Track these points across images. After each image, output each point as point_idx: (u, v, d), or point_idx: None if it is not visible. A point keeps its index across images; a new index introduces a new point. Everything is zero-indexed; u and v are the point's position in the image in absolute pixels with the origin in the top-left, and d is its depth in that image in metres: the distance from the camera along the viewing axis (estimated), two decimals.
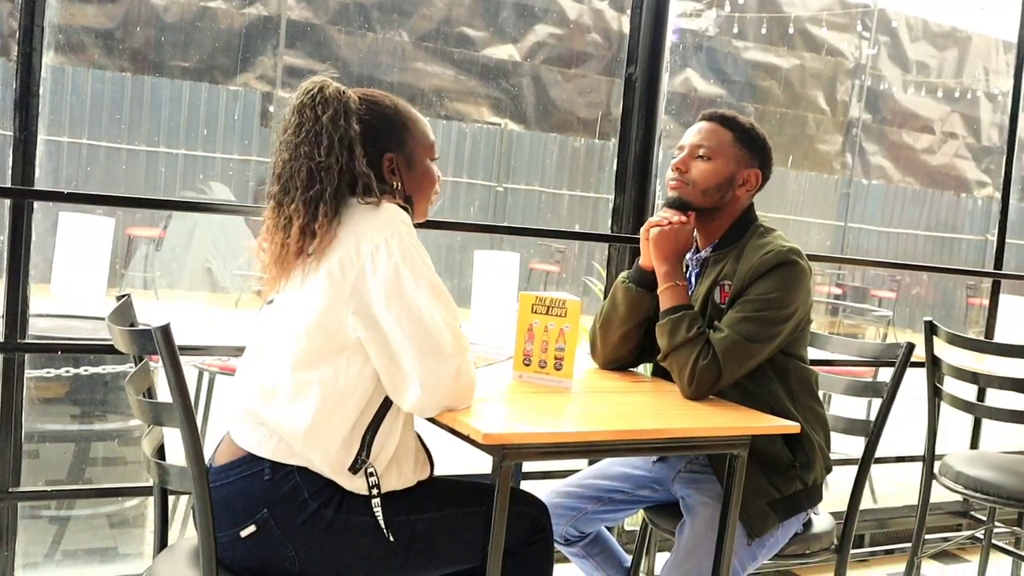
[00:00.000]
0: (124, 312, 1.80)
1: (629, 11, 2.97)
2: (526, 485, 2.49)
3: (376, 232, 1.58)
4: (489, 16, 9.90)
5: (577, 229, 11.60)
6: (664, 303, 1.99)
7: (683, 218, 2.04)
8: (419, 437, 1.77)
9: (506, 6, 9.99)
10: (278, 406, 1.60)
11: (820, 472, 2.04)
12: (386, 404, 1.63)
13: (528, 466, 2.71)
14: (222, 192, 10.02)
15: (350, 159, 1.64)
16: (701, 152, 2.05)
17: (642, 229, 2.10)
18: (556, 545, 2.13)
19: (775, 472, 1.98)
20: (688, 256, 2.15)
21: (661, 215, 2.06)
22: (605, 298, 2.92)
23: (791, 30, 11.52)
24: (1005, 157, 3.98)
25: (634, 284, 2.10)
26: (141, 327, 1.64)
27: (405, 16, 9.53)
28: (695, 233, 2.13)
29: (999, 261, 3.95)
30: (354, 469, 1.61)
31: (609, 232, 3.00)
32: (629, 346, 2.15)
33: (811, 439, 2.01)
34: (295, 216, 1.61)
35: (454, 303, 1.62)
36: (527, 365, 1.96)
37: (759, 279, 1.94)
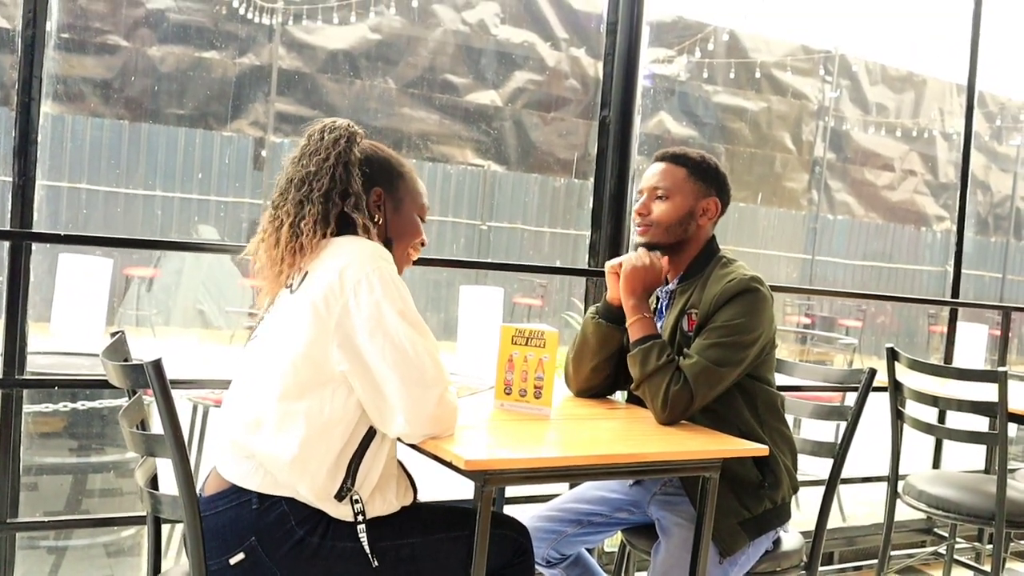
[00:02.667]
0: (118, 348, 1.79)
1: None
2: (510, 509, 2.48)
3: (358, 268, 1.58)
4: (471, 63, 9.99)
5: (558, 264, 11.65)
6: (633, 334, 2.00)
7: (656, 255, 2.05)
8: (401, 464, 1.77)
9: (487, 54, 10.09)
10: (264, 436, 1.59)
11: (787, 491, 2.05)
12: (371, 433, 1.63)
13: (511, 491, 2.70)
14: (210, 234, 10.00)
15: (346, 175, 1.67)
16: (659, 193, 2.08)
17: (607, 265, 2.11)
18: (538, 567, 2.12)
19: (745, 492, 1.98)
20: (658, 289, 2.18)
21: (636, 254, 2.07)
22: None
23: (758, 75, 11.67)
24: (959, 193, 4.03)
25: (603, 320, 2.12)
26: (133, 362, 1.64)
27: (391, 64, 9.61)
28: None
29: (956, 291, 3.99)
30: (340, 497, 1.60)
31: (586, 267, 3.01)
32: (600, 376, 2.18)
33: (778, 460, 2.02)
34: (286, 217, 1.66)
35: (433, 336, 1.63)
36: (508, 394, 1.96)
37: (724, 306, 1.96)
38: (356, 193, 1.68)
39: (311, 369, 1.58)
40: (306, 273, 1.64)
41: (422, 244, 1.83)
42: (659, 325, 2.09)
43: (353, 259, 1.60)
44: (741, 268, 2.04)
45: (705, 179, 2.09)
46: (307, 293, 1.60)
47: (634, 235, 2.15)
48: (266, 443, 1.59)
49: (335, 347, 1.57)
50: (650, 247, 2.08)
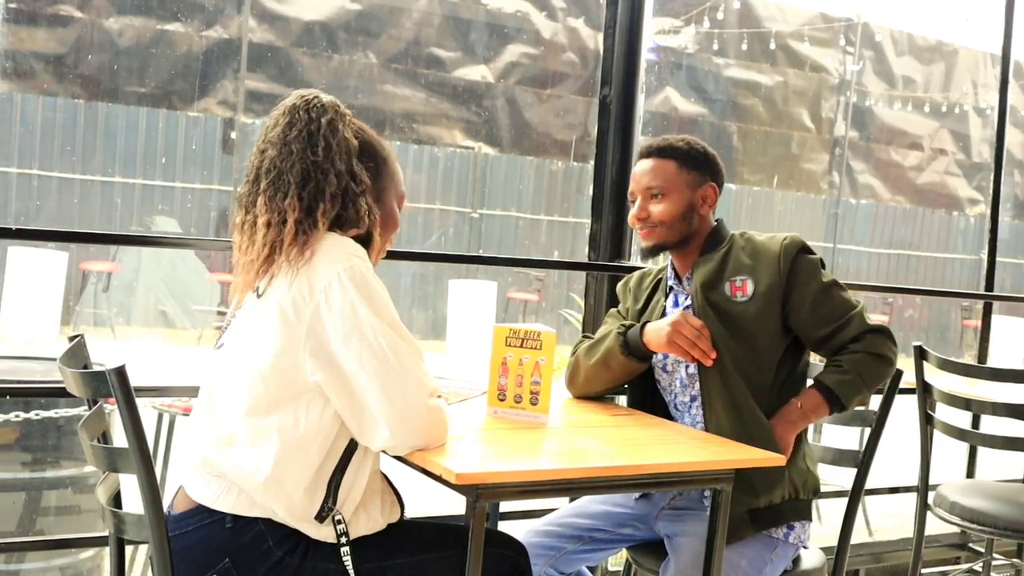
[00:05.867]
0: (77, 353, 1.79)
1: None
2: (506, 525, 2.49)
3: (328, 267, 1.58)
4: (460, 36, 9.98)
5: (556, 256, 11.65)
6: (819, 413, 2.08)
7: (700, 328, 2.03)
8: (386, 478, 1.77)
9: (477, 26, 10.08)
10: (235, 455, 1.59)
11: (806, 486, 2.06)
12: (352, 447, 1.63)
13: (507, 505, 2.71)
14: (168, 226, 9.93)
15: (350, 165, 1.65)
16: (654, 192, 2.11)
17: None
18: None
19: (761, 476, 1.98)
20: (672, 284, 2.20)
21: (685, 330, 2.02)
22: (583, 329, 2.94)
23: (773, 46, 11.67)
24: (993, 174, 4.04)
25: (635, 357, 2.12)
26: (95, 369, 1.64)
27: (372, 37, 9.59)
28: (673, 262, 2.19)
29: (990, 283, 4.00)
30: (320, 518, 1.60)
31: (587, 260, 3.01)
32: (611, 391, 2.28)
33: (800, 448, 2.08)
34: (290, 210, 1.60)
35: (415, 339, 1.63)
36: (502, 400, 1.97)
37: (796, 260, 2.05)
38: (363, 182, 1.66)
39: (281, 381, 1.57)
40: (272, 276, 1.62)
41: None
42: (689, 307, 2.12)
43: (322, 258, 1.59)
44: (767, 234, 2.15)
45: (697, 167, 2.13)
46: (274, 298, 1.59)
47: (638, 239, 2.17)
48: (237, 462, 1.59)
49: (307, 356, 1.56)
50: (657, 248, 2.13)
